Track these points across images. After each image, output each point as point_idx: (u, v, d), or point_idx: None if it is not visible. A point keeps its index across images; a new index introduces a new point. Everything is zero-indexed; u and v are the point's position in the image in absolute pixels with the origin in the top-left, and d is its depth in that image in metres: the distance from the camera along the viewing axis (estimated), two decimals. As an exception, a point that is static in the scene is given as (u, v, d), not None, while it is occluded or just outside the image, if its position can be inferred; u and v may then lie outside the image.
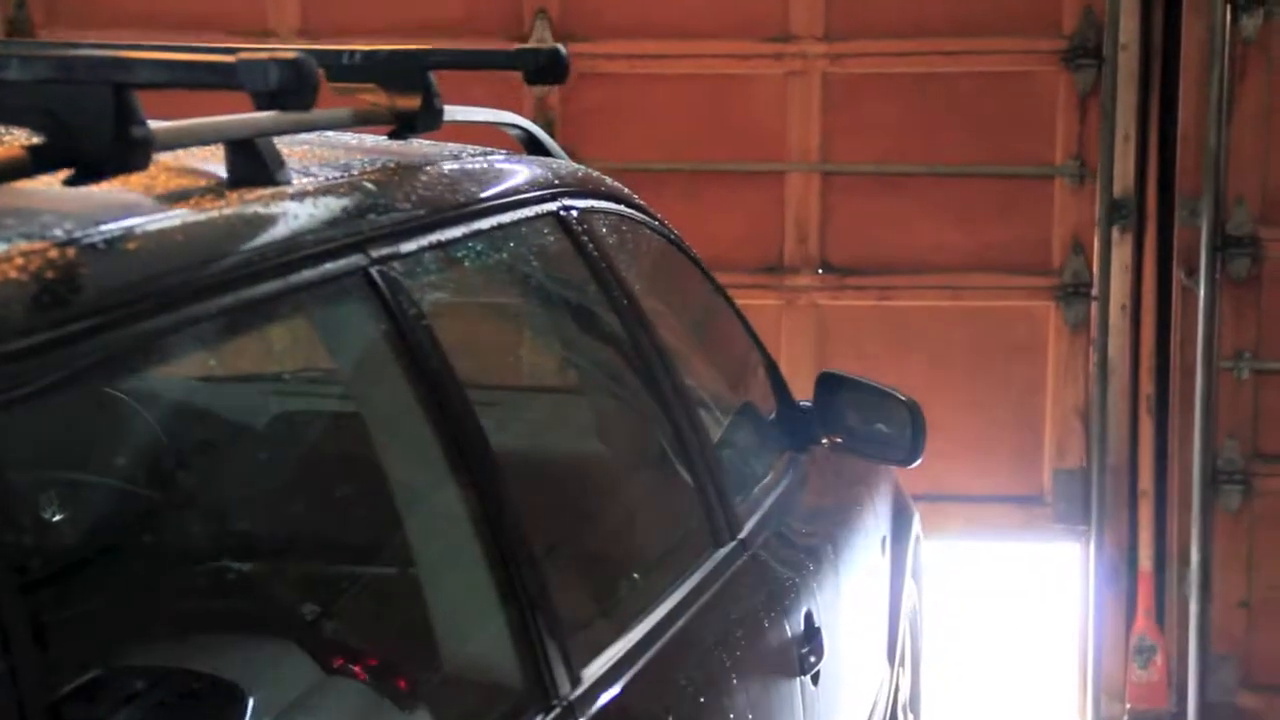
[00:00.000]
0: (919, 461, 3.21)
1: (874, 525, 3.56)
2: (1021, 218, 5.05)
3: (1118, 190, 4.91)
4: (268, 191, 1.70)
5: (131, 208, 1.52)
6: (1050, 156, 5.03)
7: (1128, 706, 5.08)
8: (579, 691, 1.85)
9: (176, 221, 1.55)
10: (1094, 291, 4.99)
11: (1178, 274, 4.88)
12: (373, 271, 1.78)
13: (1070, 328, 5.08)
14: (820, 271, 5.13)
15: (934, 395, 5.02)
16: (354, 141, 2.25)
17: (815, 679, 2.64)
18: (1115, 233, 4.93)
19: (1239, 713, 5.00)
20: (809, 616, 2.66)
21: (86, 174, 1.43)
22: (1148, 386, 4.98)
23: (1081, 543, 5.16)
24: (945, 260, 5.07)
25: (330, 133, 2.23)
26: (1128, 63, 4.86)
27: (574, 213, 2.44)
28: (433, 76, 2.10)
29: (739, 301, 3.13)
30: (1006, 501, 5.18)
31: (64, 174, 1.42)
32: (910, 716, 4.12)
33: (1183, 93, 4.82)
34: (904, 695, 3.94)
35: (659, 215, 2.89)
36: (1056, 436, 5.14)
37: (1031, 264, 5.07)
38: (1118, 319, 4.97)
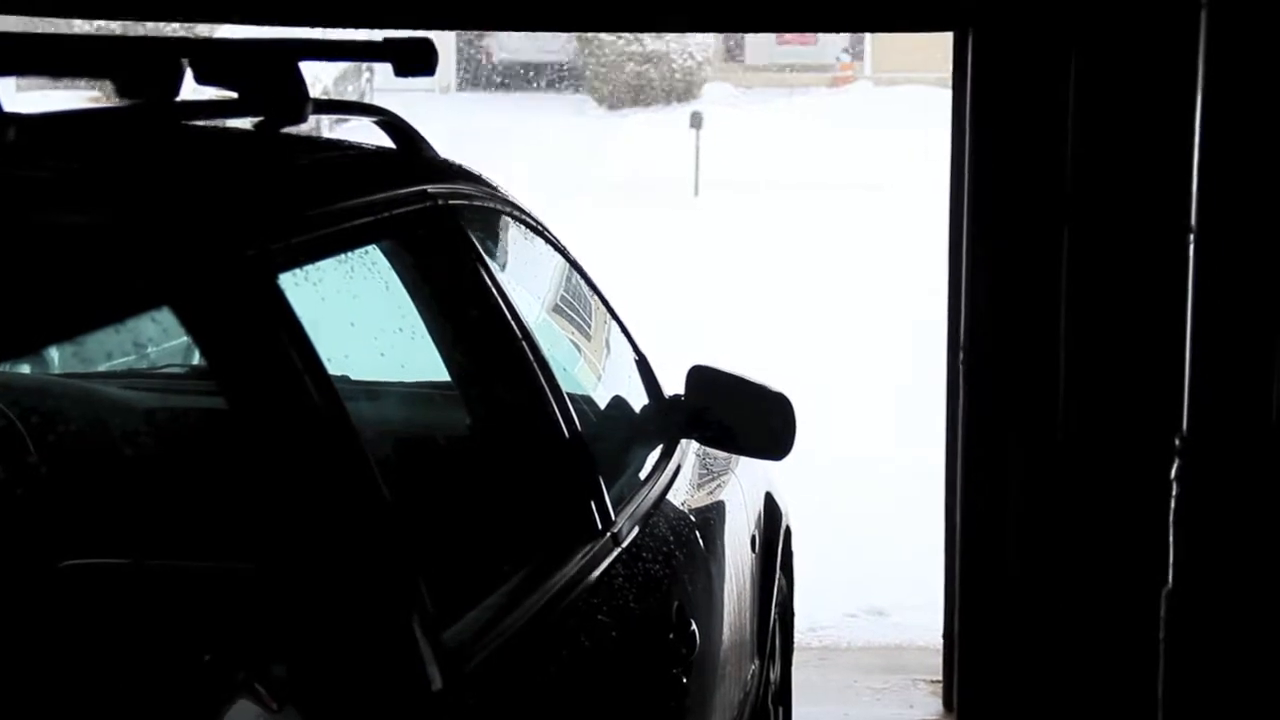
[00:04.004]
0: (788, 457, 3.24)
1: (745, 518, 3.58)
2: None
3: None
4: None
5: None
6: None
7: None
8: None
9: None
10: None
11: None
12: (246, 266, 1.76)
13: None
14: None
15: None
16: (221, 133, 2.23)
17: (687, 671, 2.65)
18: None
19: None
20: (680, 610, 2.67)
21: None
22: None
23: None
24: None
25: (199, 123, 2.20)
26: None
27: (445, 204, 2.43)
28: (301, 68, 2.09)
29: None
30: None
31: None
32: (779, 709, 4.16)
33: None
34: (773, 688, 3.97)
35: (529, 209, 2.88)
36: None
37: None
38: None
